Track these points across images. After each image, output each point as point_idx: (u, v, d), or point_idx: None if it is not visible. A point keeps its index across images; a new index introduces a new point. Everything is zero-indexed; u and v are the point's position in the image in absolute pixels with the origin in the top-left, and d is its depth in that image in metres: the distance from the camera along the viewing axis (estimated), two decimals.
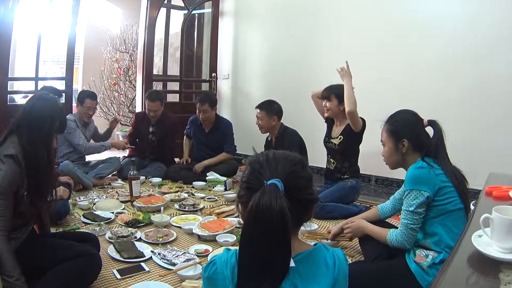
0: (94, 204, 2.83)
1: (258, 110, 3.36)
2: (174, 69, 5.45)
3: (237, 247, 0.84)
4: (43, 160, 1.54)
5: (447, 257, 1.38)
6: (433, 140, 1.58)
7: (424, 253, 1.51)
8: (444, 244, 1.48)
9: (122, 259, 1.97)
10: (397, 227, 1.90)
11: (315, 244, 0.92)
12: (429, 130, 1.65)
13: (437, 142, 1.57)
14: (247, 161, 0.94)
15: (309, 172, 0.92)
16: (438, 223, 1.50)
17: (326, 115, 2.97)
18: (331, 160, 3.01)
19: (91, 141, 3.72)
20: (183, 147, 4.10)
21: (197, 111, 3.76)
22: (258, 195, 0.79)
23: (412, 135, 1.61)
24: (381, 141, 1.71)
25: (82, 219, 2.56)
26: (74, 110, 5.09)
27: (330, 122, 3.09)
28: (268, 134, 3.52)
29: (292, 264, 0.83)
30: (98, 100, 3.94)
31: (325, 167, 3.16)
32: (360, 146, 2.95)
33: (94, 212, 2.68)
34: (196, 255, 2.02)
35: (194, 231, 2.32)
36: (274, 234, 0.78)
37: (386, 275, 1.54)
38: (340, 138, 2.89)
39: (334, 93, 2.86)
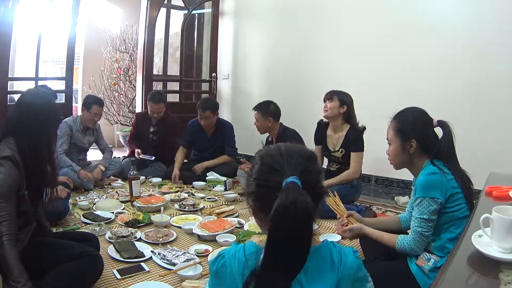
0: (94, 204, 2.83)
1: (255, 112, 3.39)
2: (174, 69, 5.45)
3: (242, 244, 0.85)
4: (45, 158, 1.52)
5: None
6: (442, 142, 1.52)
7: (426, 257, 1.50)
8: (447, 250, 1.46)
9: (122, 259, 1.97)
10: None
11: (323, 241, 0.92)
12: (438, 131, 1.59)
13: (447, 144, 1.51)
14: (257, 155, 0.92)
15: (319, 166, 0.92)
16: (444, 230, 1.48)
17: (324, 114, 2.95)
18: (333, 164, 3.00)
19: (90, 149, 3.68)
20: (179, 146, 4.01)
21: (198, 117, 3.72)
22: (283, 195, 0.78)
23: (421, 135, 1.54)
24: (387, 138, 1.64)
25: (82, 219, 2.56)
26: (75, 110, 5.10)
27: (321, 133, 3.05)
28: (268, 134, 3.52)
29: None
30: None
31: (325, 167, 3.16)
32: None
33: (94, 212, 2.68)
34: (196, 255, 2.03)
35: (194, 231, 2.32)
36: (300, 232, 0.78)
37: (386, 276, 1.53)
38: (342, 151, 2.90)
39: (337, 94, 2.89)
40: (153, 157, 3.76)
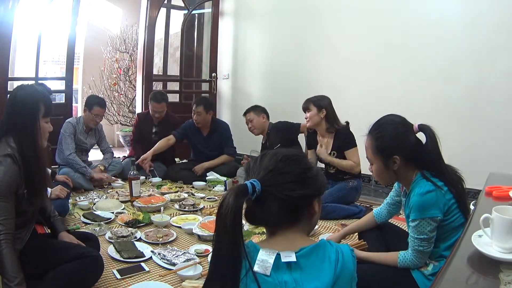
0: (94, 204, 2.83)
1: (246, 115, 3.54)
2: (174, 69, 5.45)
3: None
4: (31, 149, 1.49)
5: None
6: (426, 149, 1.42)
7: (426, 262, 1.48)
8: (444, 256, 1.44)
9: (122, 259, 1.97)
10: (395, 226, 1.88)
11: (319, 240, 0.91)
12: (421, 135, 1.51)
13: (432, 151, 1.41)
14: (245, 167, 0.96)
15: (298, 168, 0.90)
16: (441, 239, 1.46)
17: (308, 125, 2.94)
18: (330, 167, 2.99)
19: (94, 150, 3.67)
20: (180, 146, 4.01)
21: (192, 113, 3.77)
22: (225, 195, 0.82)
23: (403, 149, 1.42)
24: (367, 157, 1.53)
25: (82, 219, 2.56)
26: (74, 110, 5.09)
27: (312, 138, 3.05)
28: (262, 137, 3.59)
29: (293, 259, 0.84)
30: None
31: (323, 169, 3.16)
32: (359, 146, 2.95)
33: (94, 212, 2.68)
34: (196, 255, 2.03)
35: (194, 231, 2.32)
36: (228, 233, 0.79)
37: (385, 277, 1.52)
38: (334, 154, 2.88)
39: (312, 101, 2.88)
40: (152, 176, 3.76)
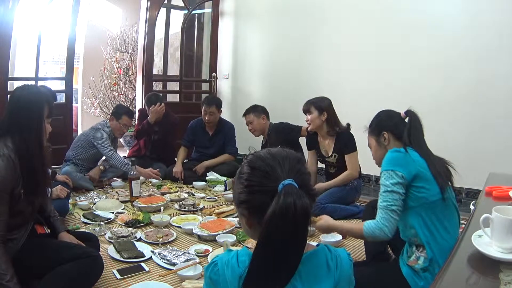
0: (94, 204, 2.83)
1: (246, 116, 3.53)
2: (174, 69, 5.45)
3: (238, 248, 0.83)
4: (38, 154, 1.50)
5: (436, 256, 1.36)
6: (407, 127, 1.56)
7: (416, 255, 1.46)
8: (428, 245, 1.41)
9: (122, 259, 1.97)
10: None
11: (317, 245, 0.90)
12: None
13: (410, 128, 1.54)
14: (246, 161, 0.88)
15: (307, 168, 0.92)
16: (418, 214, 1.43)
17: (309, 128, 2.91)
18: (331, 167, 3.00)
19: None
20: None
21: (202, 113, 3.76)
22: (281, 198, 0.76)
23: (390, 126, 1.63)
24: (368, 145, 1.74)
25: (82, 219, 2.56)
26: (74, 110, 5.08)
27: (312, 139, 3.02)
28: (262, 137, 3.58)
29: None
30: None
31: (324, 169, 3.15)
32: (360, 146, 2.95)
33: (94, 212, 2.68)
34: (196, 255, 2.02)
35: (194, 231, 2.32)
36: (296, 235, 0.77)
37: (378, 279, 1.51)
38: (335, 156, 2.88)
39: (313, 103, 2.85)
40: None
